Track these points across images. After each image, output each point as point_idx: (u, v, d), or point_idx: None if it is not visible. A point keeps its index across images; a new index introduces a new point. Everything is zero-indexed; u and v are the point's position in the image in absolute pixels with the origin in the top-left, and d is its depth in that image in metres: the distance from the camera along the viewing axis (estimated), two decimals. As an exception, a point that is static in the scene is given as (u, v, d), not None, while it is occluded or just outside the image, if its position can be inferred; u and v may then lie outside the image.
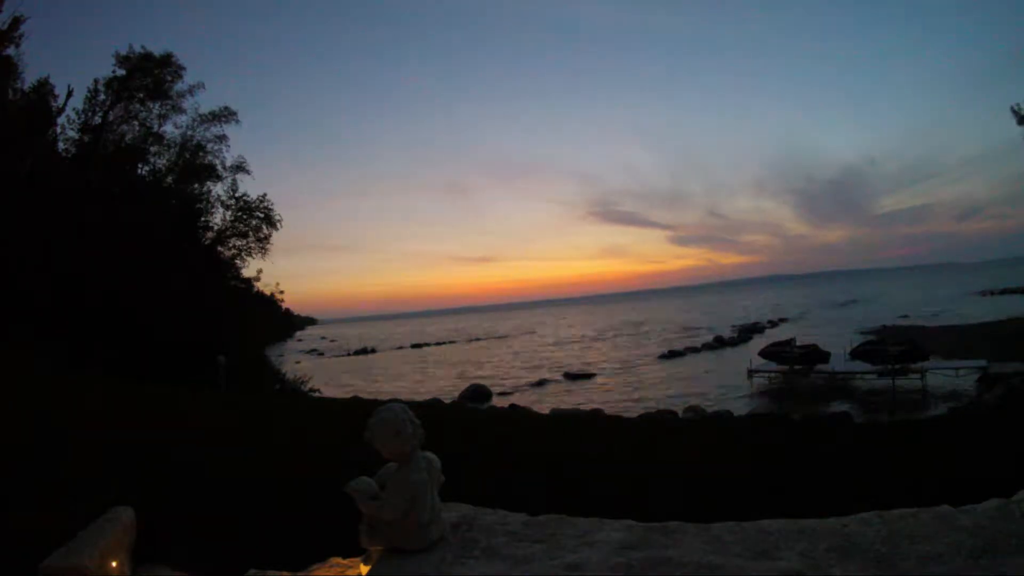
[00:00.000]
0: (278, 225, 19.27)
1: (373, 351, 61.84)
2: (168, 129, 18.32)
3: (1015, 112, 25.53)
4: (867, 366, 22.79)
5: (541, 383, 29.84)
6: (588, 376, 31.25)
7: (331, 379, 36.67)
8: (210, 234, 19.19)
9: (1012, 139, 26.49)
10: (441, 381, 33.79)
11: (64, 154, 16.43)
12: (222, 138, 19.09)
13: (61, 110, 16.32)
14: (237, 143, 18.79)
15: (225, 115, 19.25)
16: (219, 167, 19.03)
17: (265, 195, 19.16)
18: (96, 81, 17.06)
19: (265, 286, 21.42)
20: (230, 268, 19.68)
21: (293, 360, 47.68)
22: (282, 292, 23.45)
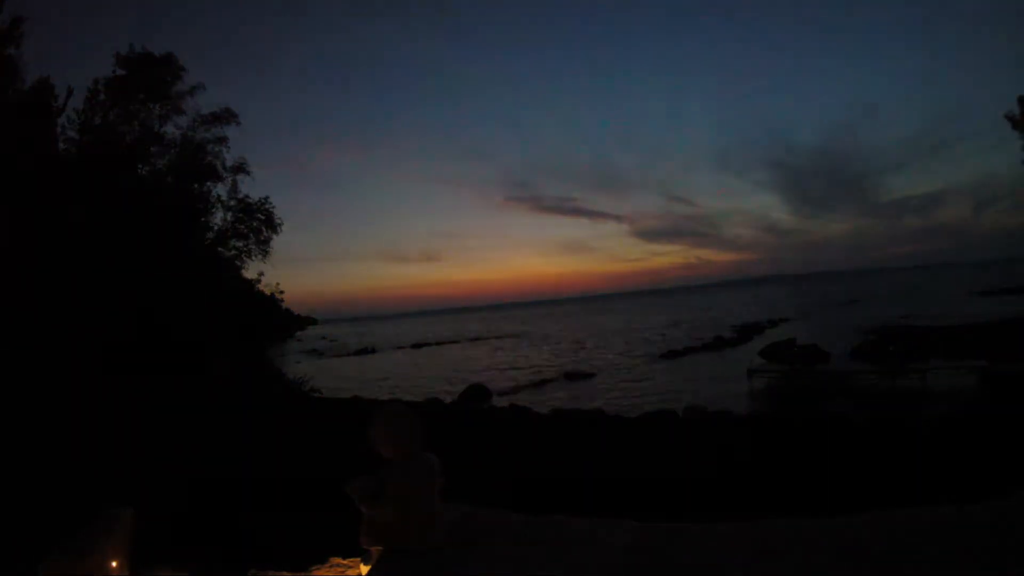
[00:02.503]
0: (278, 229, 19.25)
1: (373, 351, 61.91)
2: (168, 130, 18.34)
3: (1009, 119, 25.24)
4: (867, 366, 22.81)
5: (541, 383, 29.76)
6: (588, 376, 31.19)
7: (331, 379, 36.64)
8: (210, 234, 19.22)
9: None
10: (441, 381, 33.78)
11: (64, 155, 16.45)
12: (222, 139, 19.10)
13: (61, 110, 16.26)
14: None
15: (226, 116, 19.26)
16: (219, 168, 19.05)
17: (267, 197, 19.14)
18: (96, 81, 17.04)
19: (266, 286, 21.40)
20: (230, 269, 19.68)
21: (293, 360, 47.69)
22: (282, 292, 23.35)
